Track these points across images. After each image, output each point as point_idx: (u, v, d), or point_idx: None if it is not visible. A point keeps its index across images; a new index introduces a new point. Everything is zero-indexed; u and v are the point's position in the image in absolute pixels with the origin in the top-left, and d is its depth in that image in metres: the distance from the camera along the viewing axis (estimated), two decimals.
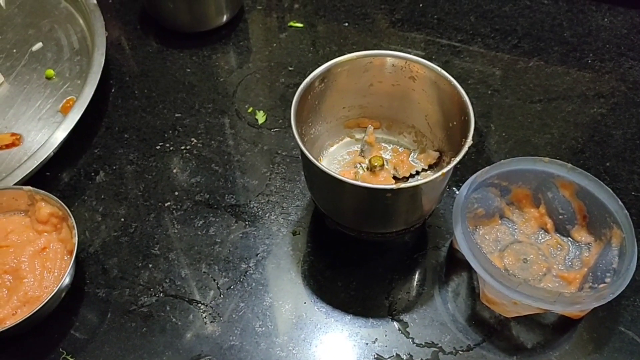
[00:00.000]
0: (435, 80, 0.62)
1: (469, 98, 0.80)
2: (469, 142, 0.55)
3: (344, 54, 0.85)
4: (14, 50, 0.84)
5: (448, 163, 0.65)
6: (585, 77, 0.82)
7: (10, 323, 0.56)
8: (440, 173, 0.53)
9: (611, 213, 0.60)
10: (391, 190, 0.53)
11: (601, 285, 0.57)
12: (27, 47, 0.84)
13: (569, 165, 0.63)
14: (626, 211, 0.59)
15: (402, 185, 0.52)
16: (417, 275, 0.65)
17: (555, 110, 0.78)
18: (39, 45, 0.84)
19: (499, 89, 0.81)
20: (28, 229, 0.65)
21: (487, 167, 0.64)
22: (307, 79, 0.60)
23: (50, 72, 0.80)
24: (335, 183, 0.54)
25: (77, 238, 0.61)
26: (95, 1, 0.83)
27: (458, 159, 0.54)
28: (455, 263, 0.66)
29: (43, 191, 0.63)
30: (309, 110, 0.63)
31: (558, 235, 0.66)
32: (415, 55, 0.62)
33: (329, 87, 0.64)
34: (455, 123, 0.61)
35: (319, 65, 0.59)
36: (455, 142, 0.61)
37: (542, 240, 0.66)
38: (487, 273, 0.56)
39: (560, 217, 0.65)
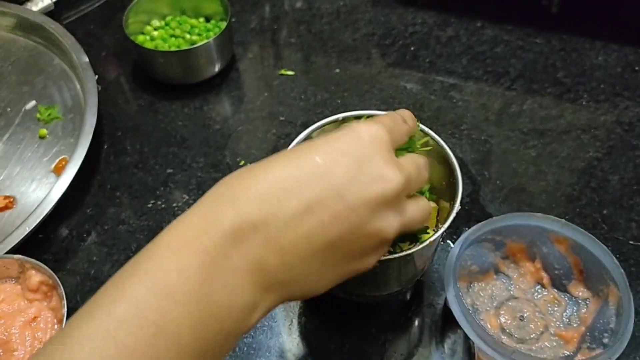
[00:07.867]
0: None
1: (463, 145, 0.80)
2: (457, 207, 0.54)
3: (335, 101, 0.86)
4: (8, 109, 0.85)
5: (439, 222, 0.64)
6: (580, 119, 0.81)
7: None
8: (427, 242, 0.52)
9: (607, 270, 0.59)
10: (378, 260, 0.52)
11: (597, 351, 0.55)
12: (21, 105, 0.85)
13: (563, 220, 0.62)
14: (622, 270, 0.58)
15: (389, 257, 0.51)
16: (411, 335, 0.64)
17: (549, 155, 0.77)
18: (33, 103, 0.85)
19: (492, 135, 0.80)
20: (19, 297, 0.64)
21: (478, 224, 0.63)
22: (291, 146, 0.60)
23: (44, 131, 0.81)
24: None
25: (66, 308, 0.60)
26: (87, 59, 0.84)
27: (446, 226, 0.53)
28: (451, 320, 0.64)
29: (33, 260, 0.63)
30: None
31: (555, 290, 0.64)
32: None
33: None
34: (444, 183, 0.60)
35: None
36: (446, 201, 0.60)
37: (539, 296, 0.65)
38: (481, 340, 0.55)
39: (557, 272, 0.64)
